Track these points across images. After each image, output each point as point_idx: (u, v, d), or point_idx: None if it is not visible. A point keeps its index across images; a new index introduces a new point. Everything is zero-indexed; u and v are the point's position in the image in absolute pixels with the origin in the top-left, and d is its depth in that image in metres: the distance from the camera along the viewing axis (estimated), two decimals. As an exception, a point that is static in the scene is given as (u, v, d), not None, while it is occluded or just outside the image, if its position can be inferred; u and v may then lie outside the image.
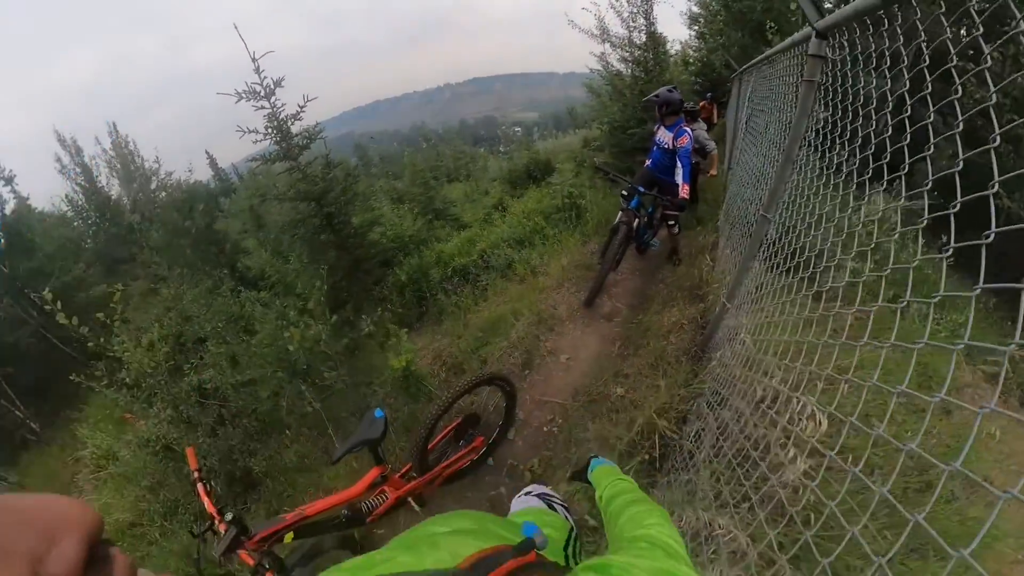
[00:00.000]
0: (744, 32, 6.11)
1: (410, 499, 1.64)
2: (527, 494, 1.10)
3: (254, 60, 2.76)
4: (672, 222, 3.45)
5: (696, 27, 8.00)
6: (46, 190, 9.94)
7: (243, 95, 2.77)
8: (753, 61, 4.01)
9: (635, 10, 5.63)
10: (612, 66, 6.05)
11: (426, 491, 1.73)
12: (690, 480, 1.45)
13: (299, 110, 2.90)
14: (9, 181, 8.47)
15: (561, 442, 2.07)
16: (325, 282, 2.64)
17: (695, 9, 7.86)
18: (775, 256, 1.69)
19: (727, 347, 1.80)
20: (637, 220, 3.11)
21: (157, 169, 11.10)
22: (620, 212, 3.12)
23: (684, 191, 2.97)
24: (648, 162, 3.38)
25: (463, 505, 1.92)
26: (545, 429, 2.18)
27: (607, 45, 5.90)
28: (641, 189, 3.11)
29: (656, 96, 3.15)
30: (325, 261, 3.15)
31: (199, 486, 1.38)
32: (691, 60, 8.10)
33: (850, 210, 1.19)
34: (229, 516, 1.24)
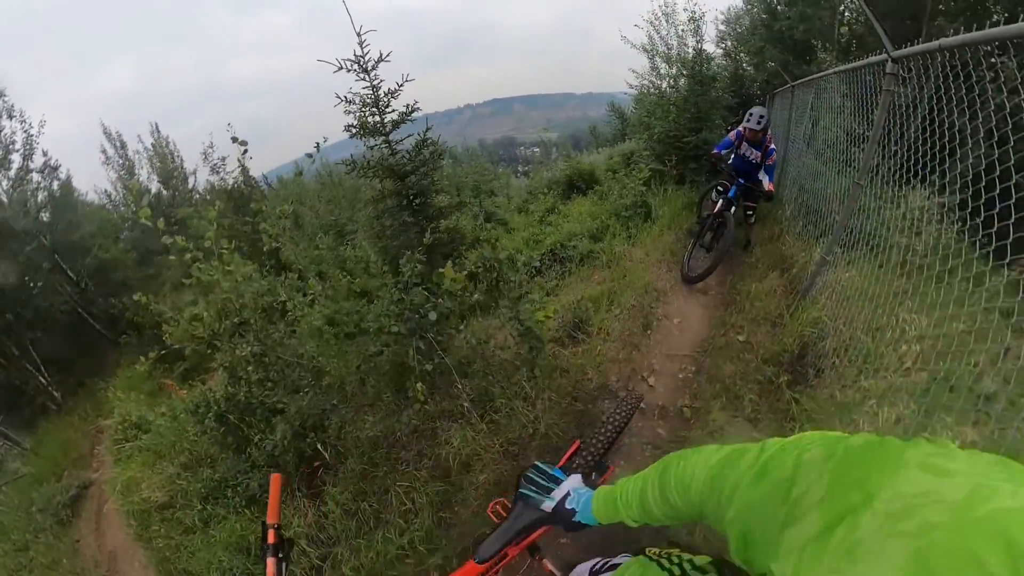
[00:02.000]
0: (784, 50, 6.33)
1: (542, 558, 1.16)
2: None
3: (359, 35, 2.82)
4: (751, 212, 4.03)
5: (724, 45, 8.31)
6: (89, 180, 10.24)
7: (345, 64, 2.82)
8: (815, 76, 4.26)
9: (685, 28, 5.97)
10: (661, 80, 6.32)
11: None
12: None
13: (398, 87, 2.93)
14: (55, 169, 8.70)
15: (703, 382, 2.35)
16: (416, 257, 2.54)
17: (722, 28, 8.21)
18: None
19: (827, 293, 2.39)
20: (734, 208, 3.60)
21: (195, 170, 11.44)
22: (720, 201, 3.58)
23: (770, 186, 3.69)
24: (731, 162, 3.94)
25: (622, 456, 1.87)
26: (680, 376, 2.49)
27: (658, 59, 6.19)
28: (741, 181, 3.60)
29: (761, 118, 3.68)
30: (406, 241, 3.11)
31: (270, 565, 0.97)
32: (715, 76, 8.35)
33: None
34: None
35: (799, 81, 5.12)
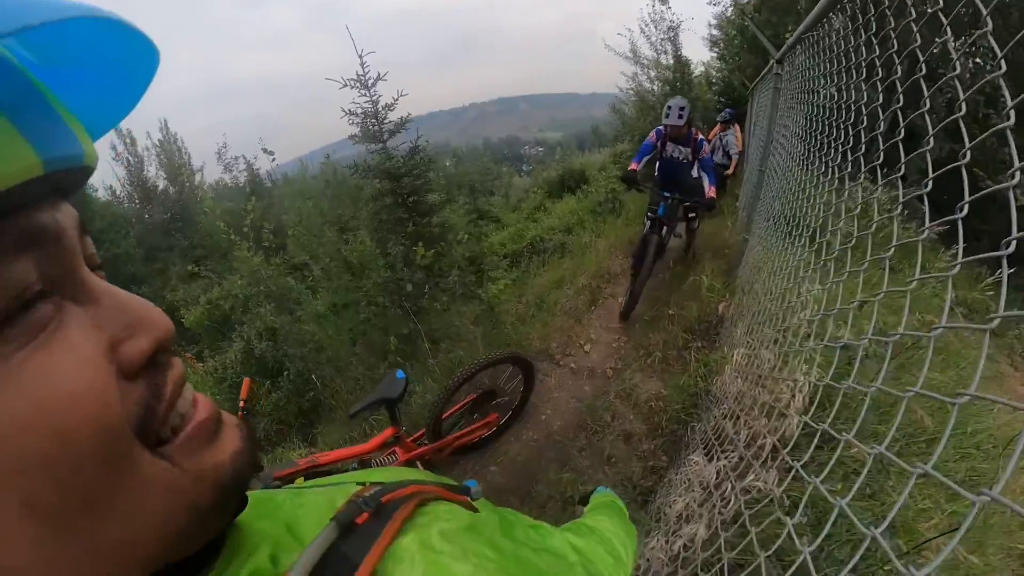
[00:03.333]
0: (756, 54, 6.73)
1: (418, 463, 1.67)
2: None
3: (360, 56, 3.24)
4: (693, 217, 3.58)
5: (716, 50, 8.69)
6: (96, 177, 10.59)
7: (348, 83, 3.25)
8: (755, 81, 4.76)
9: (664, 36, 6.35)
10: (642, 85, 6.69)
11: (435, 457, 1.79)
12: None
13: (393, 101, 3.36)
14: None
15: (630, 349, 2.80)
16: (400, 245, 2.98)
17: (715, 33, 8.57)
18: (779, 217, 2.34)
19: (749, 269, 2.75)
20: (665, 227, 3.09)
21: (203, 167, 11.82)
22: (647, 222, 3.07)
23: (711, 191, 3.08)
24: (656, 169, 3.40)
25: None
26: (614, 345, 2.90)
27: (638, 67, 6.58)
28: (667, 195, 3.02)
29: (682, 110, 3.00)
30: (401, 234, 3.54)
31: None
32: (714, 80, 8.73)
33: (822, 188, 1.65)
34: None
35: (752, 84, 5.57)
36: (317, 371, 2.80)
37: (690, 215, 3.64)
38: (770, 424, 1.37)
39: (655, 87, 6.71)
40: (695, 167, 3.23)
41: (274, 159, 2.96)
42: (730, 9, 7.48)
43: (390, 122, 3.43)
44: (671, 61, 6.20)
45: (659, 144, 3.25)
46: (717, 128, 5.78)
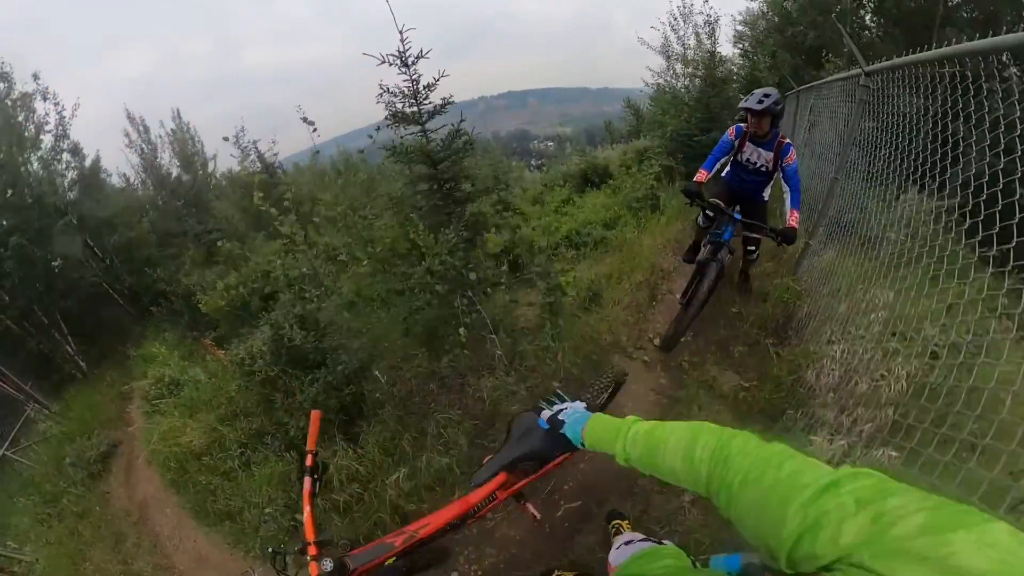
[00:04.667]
0: (796, 55, 6.54)
1: (526, 502, 1.42)
2: (627, 543, 1.08)
3: (400, 32, 3.07)
4: (753, 248, 2.85)
5: (741, 46, 8.49)
6: (108, 164, 10.56)
7: (388, 59, 3.08)
8: (814, 84, 4.59)
9: (701, 31, 6.19)
10: (676, 81, 6.55)
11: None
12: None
13: (434, 81, 3.19)
14: (76, 153, 8.93)
15: (700, 343, 2.79)
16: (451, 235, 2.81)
17: (740, 28, 8.39)
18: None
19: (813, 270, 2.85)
20: (731, 255, 2.60)
21: (215, 155, 11.75)
22: (707, 245, 2.56)
23: (794, 218, 2.40)
24: (725, 174, 2.83)
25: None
26: (683, 340, 2.78)
27: (671, 61, 6.42)
28: (738, 217, 2.53)
29: (766, 96, 2.43)
30: (437, 221, 3.36)
31: (307, 483, 1.17)
32: (736, 77, 8.56)
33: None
34: (328, 567, 0.96)
35: (803, 87, 5.39)
36: (372, 363, 2.62)
37: (750, 249, 2.88)
38: (869, 412, 1.44)
39: (688, 82, 6.56)
40: (771, 183, 2.71)
41: (315, 129, 2.77)
42: (763, 5, 7.31)
43: (430, 103, 3.25)
44: (705, 56, 6.03)
45: (738, 143, 2.63)
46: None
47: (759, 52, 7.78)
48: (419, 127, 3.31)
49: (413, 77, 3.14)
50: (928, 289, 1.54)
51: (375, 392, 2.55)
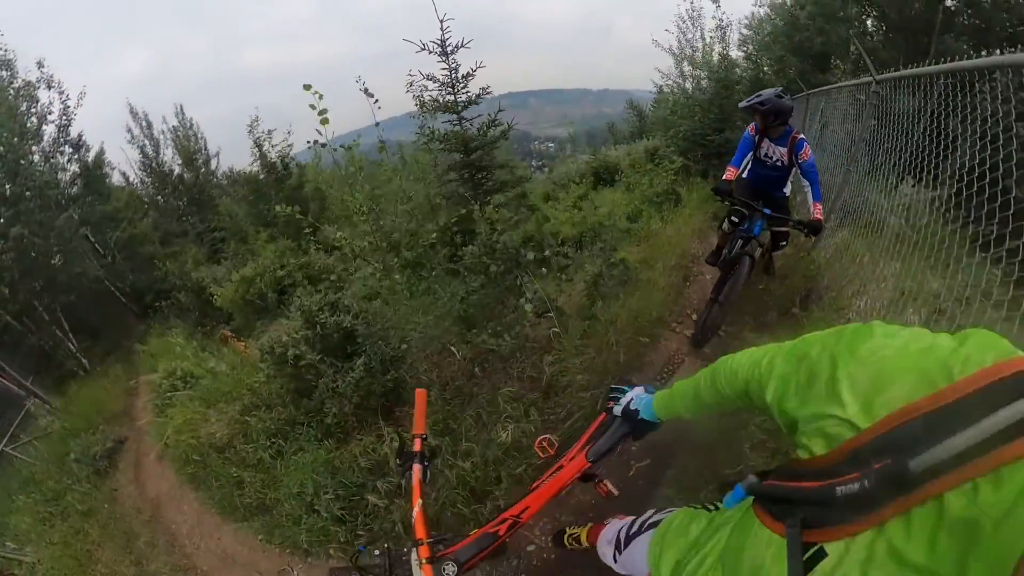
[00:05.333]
0: (804, 60, 6.75)
1: (600, 480, 1.28)
2: (630, 536, 1.12)
3: (441, 21, 3.12)
4: (784, 242, 2.89)
5: (744, 49, 8.72)
6: (112, 157, 10.37)
7: (426, 46, 3.12)
8: (825, 88, 4.97)
9: (713, 35, 6.40)
10: (684, 82, 6.71)
11: None
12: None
13: (471, 72, 3.25)
14: (78, 148, 8.76)
15: (734, 315, 2.90)
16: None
17: (745, 32, 8.64)
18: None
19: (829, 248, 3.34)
20: (760, 249, 2.66)
21: (218, 152, 11.63)
22: (739, 242, 2.59)
23: (818, 211, 2.49)
24: (745, 174, 2.83)
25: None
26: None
27: (680, 61, 6.59)
28: (768, 212, 2.56)
29: (761, 103, 2.50)
30: (460, 212, 3.39)
31: (416, 472, 1.04)
32: (739, 79, 8.77)
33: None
34: (451, 572, 0.88)
35: (814, 91, 5.58)
36: (419, 347, 2.59)
37: (781, 242, 2.91)
38: None
39: (696, 84, 6.74)
40: (790, 177, 2.77)
41: (377, 102, 2.65)
42: (771, 12, 7.54)
43: (467, 91, 3.30)
44: (718, 59, 6.21)
45: (756, 139, 2.69)
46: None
47: (763, 56, 8.00)
48: (455, 115, 3.37)
49: (452, 66, 3.20)
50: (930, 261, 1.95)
51: (419, 375, 2.55)
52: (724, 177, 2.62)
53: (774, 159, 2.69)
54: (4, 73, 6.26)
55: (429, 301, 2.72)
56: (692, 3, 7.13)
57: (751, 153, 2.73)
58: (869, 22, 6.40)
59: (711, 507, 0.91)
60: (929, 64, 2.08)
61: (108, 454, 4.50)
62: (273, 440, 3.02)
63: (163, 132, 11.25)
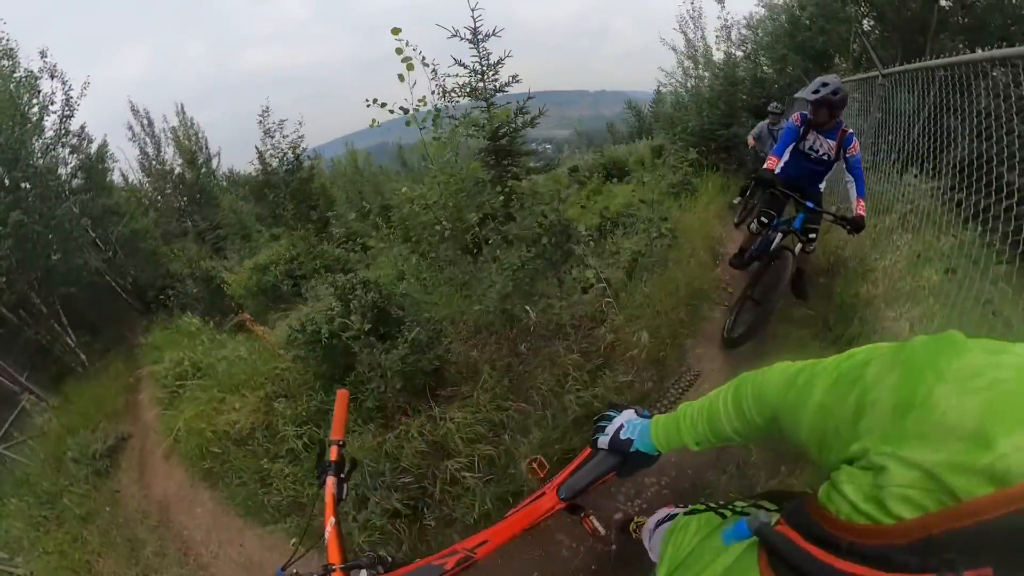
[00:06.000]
0: (806, 58, 6.97)
1: (587, 515, 1.12)
2: (658, 523, 1.07)
3: (472, 10, 3.16)
4: (814, 236, 2.66)
5: (744, 48, 8.91)
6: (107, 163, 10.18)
7: (459, 33, 3.17)
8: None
9: (719, 35, 6.64)
10: (687, 80, 6.91)
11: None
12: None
13: (500, 60, 3.30)
14: (81, 137, 8.56)
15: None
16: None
17: (744, 32, 8.87)
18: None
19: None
20: (801, 245, 2.56)
21: (219, 151, 11.55)
22: (778, 235, 2.55)
23: (861, 207, 2.42)
24: (768, 166, 2.63)
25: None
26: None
27: (686, 60, 6.82)
28: (811, 206, 2.52)
29: (834, 92, 2.36)
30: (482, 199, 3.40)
31: (329, 484, 0.92)
32: (743, 79, 8.97)
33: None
34: None
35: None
36: (480, 319, 2.52)
37: (811, 236, 2.69)
38: (917, 306, 2.34)
39: (699, 82, 6.95)
40: (829, 173, 2.70)
41: (435, 71, 2.54)
42: (772, 11, 7.76)
43: (497, 79, 3.35)
44: (724, 57, 6.43)
45: (802, 130, 2.59)
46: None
47: (761, 54, 8.23)
48: (485, 101, 3.41)
49: (483, 54, 3.25)
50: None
51: (466, 354, 2.51)
52: (766, 166, 2.55)
53: (820, 152, 2.59)
54: (6, 62, 6.12)
55: (478, 276, 2.72)
56: (693, 3, 7.37)
57: (793, 145, 2.64)
58: (866, 22, 6.62)
59: (721, 511, 0.75)
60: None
61: (109, 452, 4.15)
62: (303, 427, 2.76)
63: (163, 131, 11.15)
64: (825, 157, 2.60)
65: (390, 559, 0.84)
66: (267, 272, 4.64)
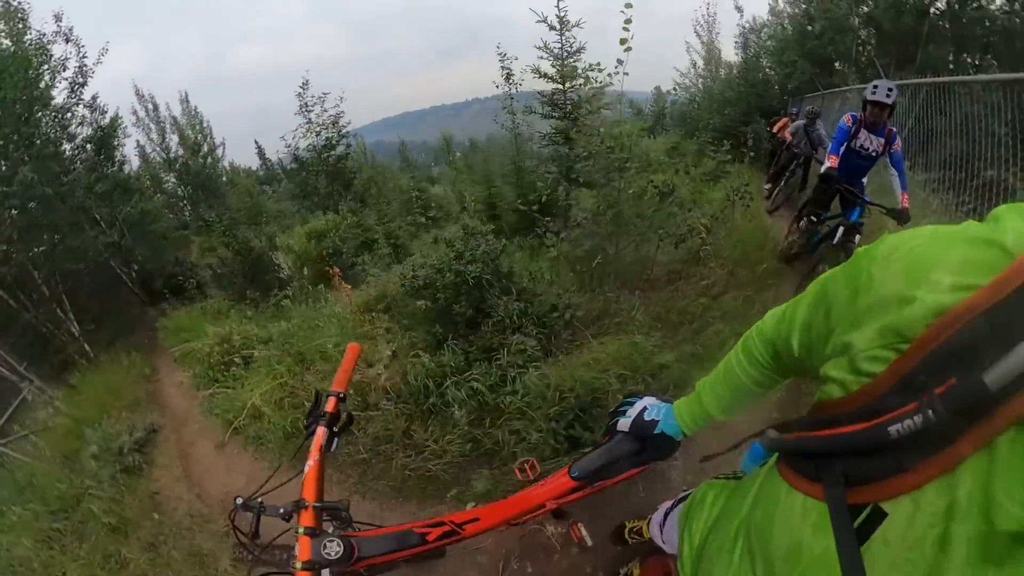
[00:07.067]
0: (813, 65, 7.54)
1: (574, 523, 1.12)
2: (667, 513, 1.08)
3: (557, 4, 3.34)
4: (858, 236, 2.86)
5: (749, 52, 9.45)
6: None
7: (545, 19, 3.34)
8: (841, 89, 5.82)
9: (737, 40, 7.12)
10: (699, 80, 7.37)
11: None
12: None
13: (581, 47, 3.50)
14: (93, 108, 7.83)
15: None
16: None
17: (749, 37, 9.41)
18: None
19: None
20: (859, 235, 2.79)
21: (223, 142, 11.16)
22: (839, 228, 2.78)
23: (905, 200, 2.61)
24: (831, 165, 2.81)
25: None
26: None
27: (712, 65, 7.29)
28: (868, 199, 2.77)
29: (889, 91, 2.58)
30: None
31: (319, 434, 0.88)
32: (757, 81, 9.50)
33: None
34: (335, 548, 0.71)
35: (829, 91, 6.29)
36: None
37: (853, 238, 2.87)
38: None
39: (712, 82, 7.42)
40: (873, 168, 2.90)
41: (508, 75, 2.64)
42: (780, 20, 8.32)
43: (576, 66, 3.54)
44: (743, 60, 6.90)
45: (853, 130, 2.80)
46: (785, 121, 6.37)
47: (766, 59, 8.76)
48: (560, 85, 3.59)
49: (566, 41, 3.43)
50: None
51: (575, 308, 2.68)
52: (828, 165, 2.81)
53: (869, 149, 2.80)
54: (19, 25, 5.72)
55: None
56: (708, 8, 7.84)
57: (846, 143, 2.86)
58: (863, 32, 7.23)
59: (734, 477, 0.82)
60: (915, 72, 3.10)
61: (138, 446, 3.51)
62: (442, 382, 2.37)
63: (166, 118, 10.64)
64: (873, 154, 2.81)
65: (346, 502, 0.81)
66: (325, 238, 4.48)
